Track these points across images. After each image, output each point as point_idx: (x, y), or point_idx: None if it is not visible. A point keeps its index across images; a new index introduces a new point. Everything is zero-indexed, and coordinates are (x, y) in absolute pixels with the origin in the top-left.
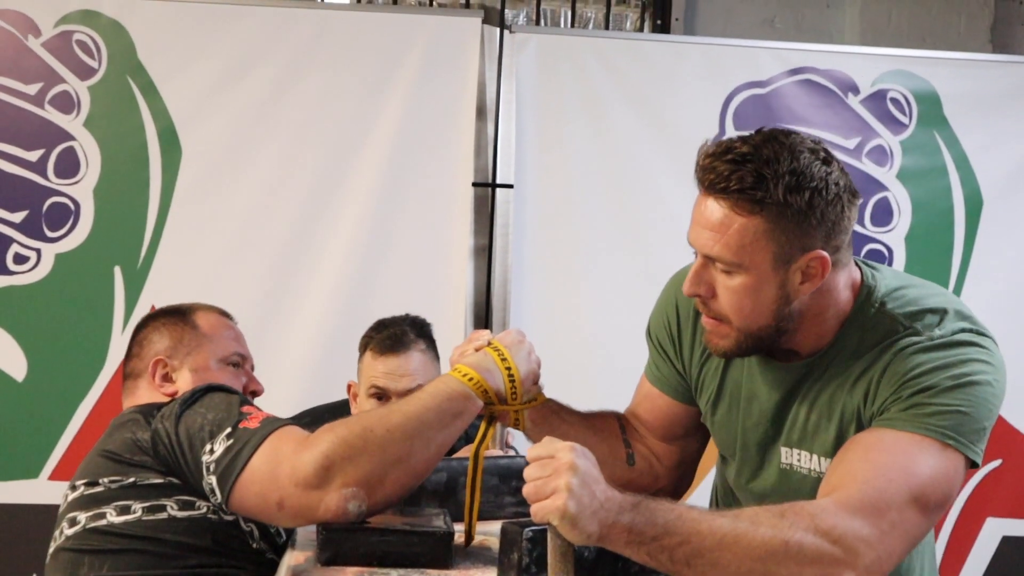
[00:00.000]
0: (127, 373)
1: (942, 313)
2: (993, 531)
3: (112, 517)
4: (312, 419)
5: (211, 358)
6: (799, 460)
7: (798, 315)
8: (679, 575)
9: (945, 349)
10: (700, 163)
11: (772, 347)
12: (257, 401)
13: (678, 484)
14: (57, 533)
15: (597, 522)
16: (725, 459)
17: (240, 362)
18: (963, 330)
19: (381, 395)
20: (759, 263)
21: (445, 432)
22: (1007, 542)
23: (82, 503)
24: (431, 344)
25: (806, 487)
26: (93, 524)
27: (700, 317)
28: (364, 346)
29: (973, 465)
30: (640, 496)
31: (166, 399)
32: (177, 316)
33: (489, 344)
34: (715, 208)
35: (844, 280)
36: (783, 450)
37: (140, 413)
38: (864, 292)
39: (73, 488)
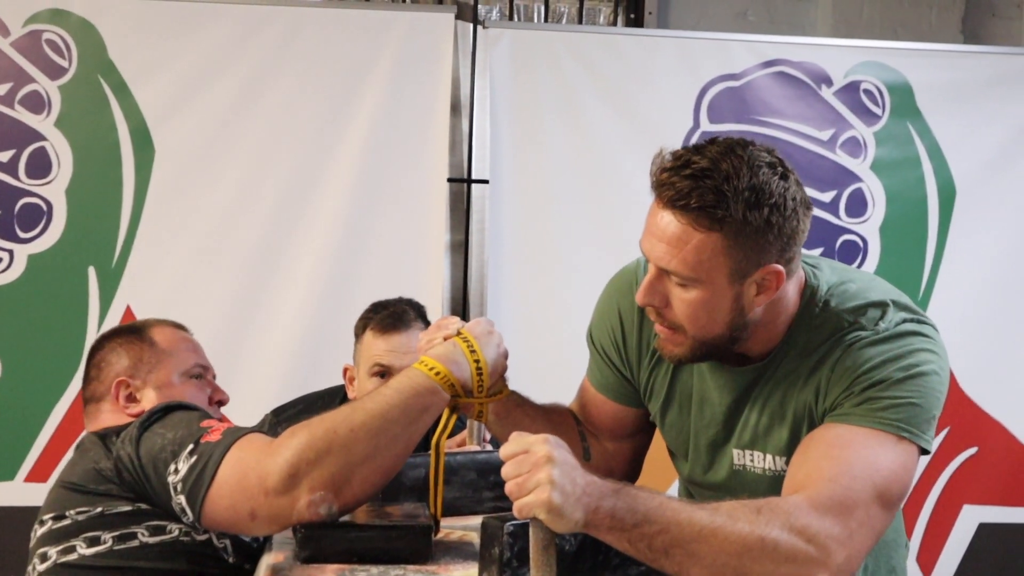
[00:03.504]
0: (87, 398)
1: (883, 306)
2: (970, 518)
3: (83, 549)
4: (305, 406)
5: (173, 373)
6: (752, 460)
7: (752, 324)
8: (657, 564)
9: (891, 341)
10: (657, 177)
11: (724, 353)
12: (230, 404)
13: (630, 477)
14: (30, 569)
15: (582, 508)
16: (675, 455)
17: (202, 373)
18: (906, 320)
19: (385, 373)
20: (715, 278)
21: (411, 428)
22: (984, 529)
23: (51, 538)
24: (427, 325)
25: (761, 486)
26: (64, 559)
27: (645, 323)
28: (363, 327)
29: (924, 452)
30: (621, 483)
31: (130, 420)
32: (133, 335)
33: (459, 333)
34: (672, 222)
35: (793, 285)
36: (735, 452)
37: (99, 438)
38: (808, 292)
39: (41, 523)
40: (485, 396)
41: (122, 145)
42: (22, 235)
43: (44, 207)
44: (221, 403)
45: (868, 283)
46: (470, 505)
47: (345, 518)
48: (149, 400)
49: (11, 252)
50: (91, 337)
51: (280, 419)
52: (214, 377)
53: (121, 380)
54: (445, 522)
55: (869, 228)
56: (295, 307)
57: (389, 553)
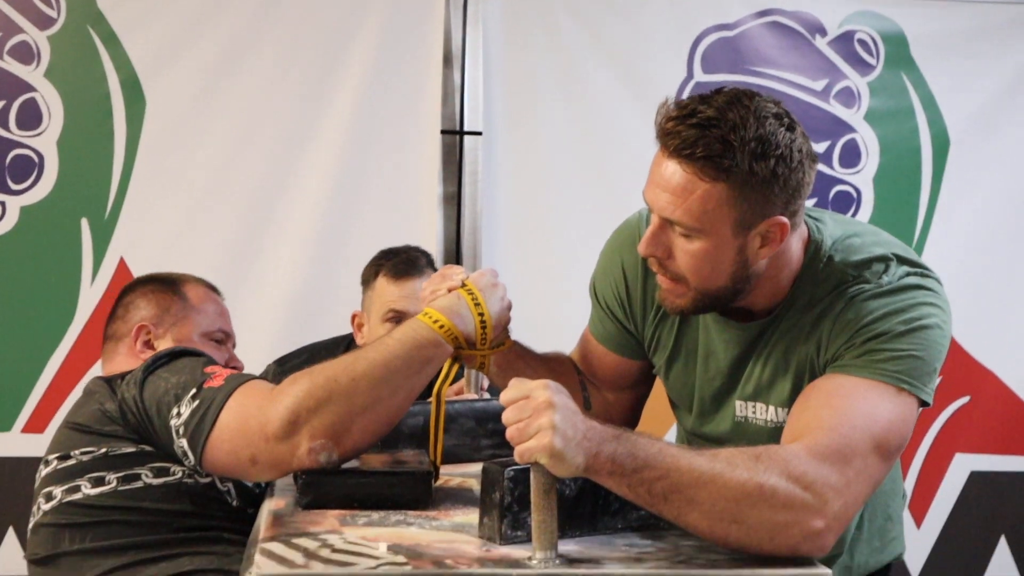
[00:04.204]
0: (108, 334)
1: (888, 260)
2: (961, 466)
3: (87, 489)
4: (309, 356)
5: (195, 331)
6: (754, 412)
7: (755, 277)
8: (656, 509)
9: (894, 294)
10: (662, 125)
11: (728, 306)
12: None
13: (630, 426)
14: (35, 509)
15: (583, 453)
16: (677, 407)
17: (223, 339)
18: (909, 274)
19: (399, 318)
20: (719, 229)
21: (413, 379)
22: (975, 477)
23: (56, 477)
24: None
25: (763, 437)
26: (69, 498)
27: (650, 276)
28: (374, 273)
29: (924, 405)
30: (622, 429)
31: None
32: (166, 285)
33: (463, 285)
34: (677, 172)
35: (796, 239)
36: (737, 403)
37: (106, 382)
38: (812, 247)
39: (46, 463)
40: (488, 348)
41: (113, 97)
42: (14, 187)
43: (36, 159)
44: (236, 371)
45: (872, 237)
46: (468, 453)
47: (346, 465)
48: None
49: (3, 204)
50: (85, 289)
51: (284, 369)
52: (234, 346)
53: (143, 325)
54: (444, 469)
55: (862, 179)
56: (288, 259)
57: (390, 499)
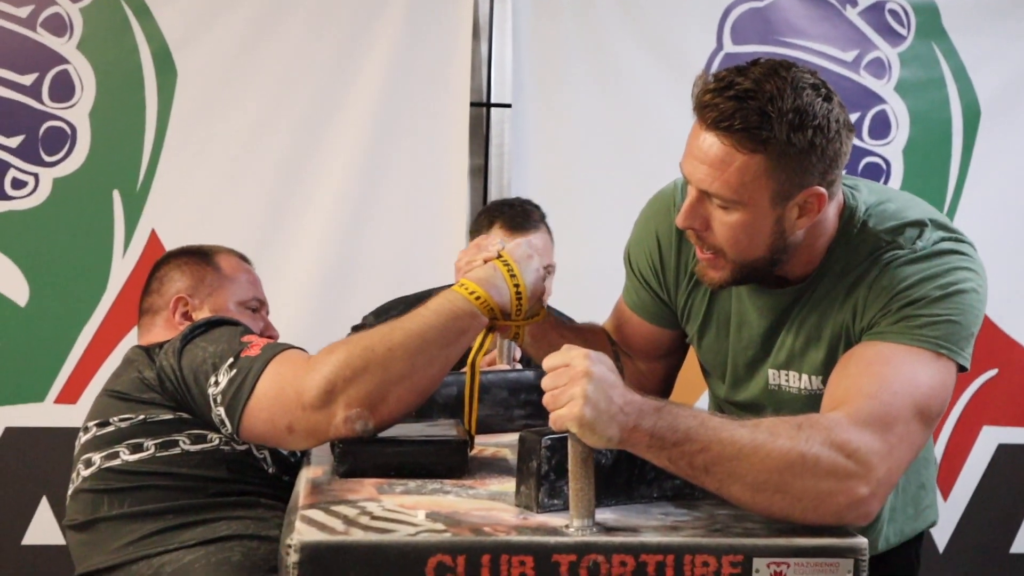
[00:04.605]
0: (144, 308)
1: (922, 225)
2: (989, 439)
3: (126, 455)
4: (405, 307)
5: (230, 300)
6: (787, 380)
7: (792, 247)
8: (698, 481)
9: (929, 260)
10: (699, 98)
11: (764, 276)
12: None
13: (663, 396)
14: (74, 475)
15: (616, 426)
16: (710, 375)
17: (258, 307)
18: (944, 239)
19: None
20: (758, 200)
21: (449, 349)
22: (1003, 450)
23: (95, 444)
24: (549, 231)
25: (796, 405)
26: (108, 464)
27: (684, 246)
28: (489, 222)
29: (962, 370)
30: (664, 401)
31: None
32: (199, 256)
33: (499, 256)
34: (715, 144)
35: (833, 207)
36: (770, 372)
37: (144, 351)
38: (847, 213)
39: (85, 430)
40: (523, 319)
41: (144, 68)
42: (47, 159)
43: (68, 130)
44: (271, 340)
45: (907, 203)
46: (501, 423)
47: (382, 434)
48: None
49: (36, 176)
50: (117, 260)
51: (382, 321)
52: (268, 313)
53: (180, 297)
54: (477, 440)
55: (892, 150)
56: (318, 230)
57: (426, 467)
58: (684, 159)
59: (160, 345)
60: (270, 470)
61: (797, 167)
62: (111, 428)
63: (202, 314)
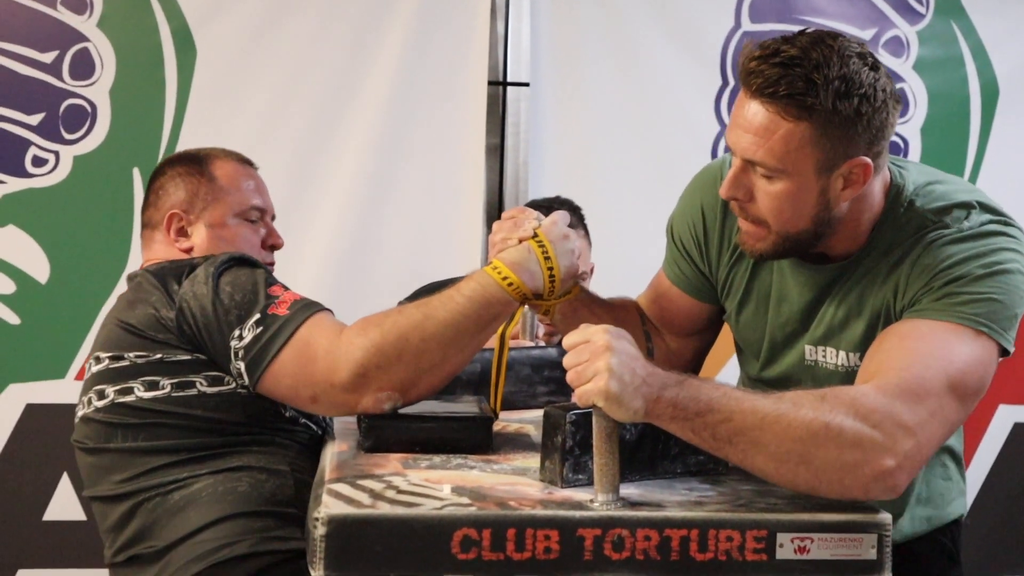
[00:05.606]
0: (144, 221)
1: (969, 207)
2: (1005, 418)
3: (140, 392)
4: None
5: (228, 214)
6: (824, 356)
7: (836, 220)
8: (721, 452)
9: (974, 240)
10: (745, 65)
11: (808, 251)
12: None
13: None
14: (84, 400)
15: (641, 398)
16: (742, 352)
17: (258, 217)
18: (991, 221)
19: None
20: (802, 169)
21: (480, 336)
22: (1019, 428)
23: (108, 376)
24: (586, 230)
25: (833, 381)
26: (122, 399)
27: (728, 219)
28: None
29: (1005, 353)
30: (686, 374)
31: (182, 255)
32: (193, 165)
33: (534, 235)
34: (760, 112)
35: (879, 183)
36: (807, 347)
37: (159, 281)
38: (893, 191)
39: (97, 360)
40: (555, 299)
41: (164, 46)
42: (67, 136)
43: (88, 108)
44: (275, 247)
45: (956, 185)
46: (524, 400)
47: (407, 410)
48: (200, 236)
49: (56, 153)
50: (136, 239)
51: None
52: (272, 218)
53: (174, 213)
54: (501, 416)
55: (910, 129)
56: (336, 209)
57: (451, 443)
58: (729, 129)
59: (175, 274)
60: (287, 413)
61: (842, 136)
62: (126, 363)
63: (198, 228)
